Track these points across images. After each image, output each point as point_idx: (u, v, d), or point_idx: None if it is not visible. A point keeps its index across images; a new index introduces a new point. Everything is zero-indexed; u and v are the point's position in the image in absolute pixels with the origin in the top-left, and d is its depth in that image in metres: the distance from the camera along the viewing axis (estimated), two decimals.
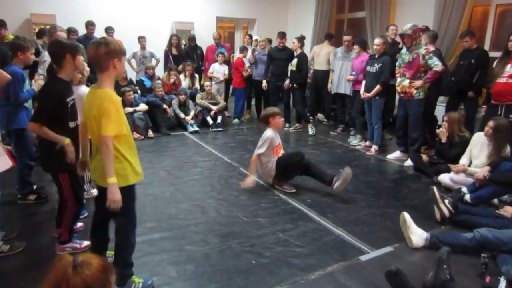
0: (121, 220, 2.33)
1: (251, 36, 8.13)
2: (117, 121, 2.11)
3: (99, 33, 7.27)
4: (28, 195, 3.65)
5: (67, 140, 2.58)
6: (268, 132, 4.13)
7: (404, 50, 4.95)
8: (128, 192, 2.26)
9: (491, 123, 3.84)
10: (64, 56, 2.56)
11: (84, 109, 2.29)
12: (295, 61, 6.53)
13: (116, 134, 2.12)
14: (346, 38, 6.32)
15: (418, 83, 4.78)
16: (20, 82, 3.34)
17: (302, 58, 6.54)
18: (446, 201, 3.30)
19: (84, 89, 3.55)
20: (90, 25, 7.15)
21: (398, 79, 5.03)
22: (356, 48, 5.95)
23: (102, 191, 2.27)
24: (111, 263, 1.40)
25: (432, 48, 5.07)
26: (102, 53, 2.11)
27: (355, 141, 6.03)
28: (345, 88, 6.38)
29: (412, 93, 4.86)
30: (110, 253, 2.53)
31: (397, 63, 5.11)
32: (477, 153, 4.03)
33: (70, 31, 6.48)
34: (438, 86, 5.26)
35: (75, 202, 2.76)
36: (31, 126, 2.57)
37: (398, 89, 5.02)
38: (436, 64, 4.63)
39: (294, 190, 4.09)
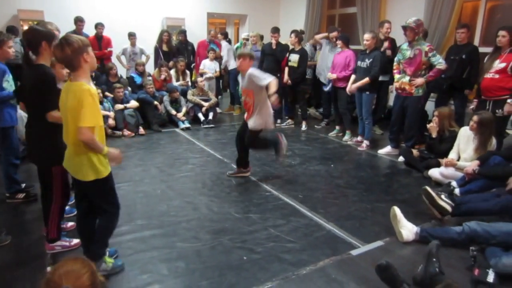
0: (103, 205, 2.42)
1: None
2: (94, 112, 2.15)
3: (89, 29, 7.21)
4: (17, 193, 3.61)
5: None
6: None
7: (405, 46, 4.90)
8: (104, 183, 2.33)
9: (475, 118, 3.88)
10: (40, 43, 2.54)
11: (60, 102, 2.29)
12: (296, 57, 6.41)
13: (93, 125, 2.15)
14: (332, 35, 6.33)
15: (419, 81, 4.74)
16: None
17: (303, 54, 6.48)
18: (443, 196, 3.30)
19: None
20: (79, 21, 7.05)
21: (397, 76, 4.99)
22: (339, 43, 5.93)
23: (81, 184, 2.33)
24: (93, 264, 1.40)
25: None
26: (69, 53, 2.13)
27: (346, 137, 6.04)
28: (325, 79, 6.43)
29: (411, 90, 4.84)
30: (110, 261, 2.52)
31: (395, 59, 5.09)
32: (464, 147, 4.07)
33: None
34: (429, 82, 5.27)
35: (62, 195, 2.74)
36: (52, 116, 2.55)
37: (397, 85, 4.99)
38: (440, 62, 4.61)
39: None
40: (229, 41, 8.54)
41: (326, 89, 6.36)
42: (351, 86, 5.39)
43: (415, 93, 4.84)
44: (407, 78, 4.84)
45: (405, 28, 4.72)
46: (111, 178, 2.41)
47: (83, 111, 2.10)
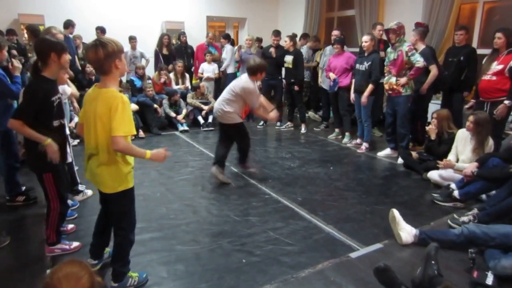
0: (123, 222, 2.35)
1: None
2: (128, 121, 2.09)
3: (89, 32, 7.22)
4: (17, 196, 3.62)
5: (47, 140, 2.53)
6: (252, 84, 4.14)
7: (389, 49, 5.01)
8: (129, 194, 2.30)
9: (471, 118, 3.91)
10: (49, 54, 2.53)
11: (84, 109, 2.25)
12: (290, 58, 6.47)
13: (127, 134, 2.09)
14: (334, 32, 6.32)
15: (403, 80, 4.82)
16: (3, 78, 3.25)
17: (298, 54, 6.52)
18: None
19: (66, 88, 3.52)
20: (70, 26, 7.05)
21: (386, 77, 5.07)
22: (337, 47, 5.93)
23: (104, 196, 2.29)
24: (89, 265, 1.40)
25: (422, 46, 5.11)
26: (102, 56, 2.06)
27: (345, 140, 6.05)
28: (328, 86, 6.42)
29: (399, 90, 4.89)
30: (135, 275, 2.50)
31: (385, 62, 5.14)
32: (462, 148, 4.09)
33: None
34: (434, 83, 5.26)
35: (59, 202, 2.73)
36: (11, 123, 2.52)
37: (386, 86, 5.05)
38: (418, 60, 4.67)
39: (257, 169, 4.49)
40: (232, 43, 8.54)
41: (334, 90, 6.28)
42: (363, 100, 5.36)
43: (404, 93, 4.89)
44: (393, 79, 4.92)
45: (387, 31, 4.88)
46: (133, 192, 2.35)
47: (117, 120, 2.03)
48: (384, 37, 6.00)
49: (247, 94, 4.12)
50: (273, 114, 4.34)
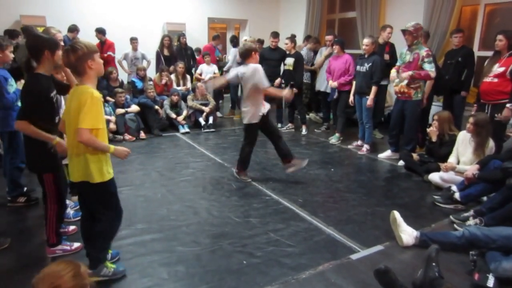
0: (105, 214, 2.41)
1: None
2: (94, 115, 2.16)
3: (90, 33, 7.23)
4: (18, 197, 3.63)
5: (56, 139, 2.56)
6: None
7: (404, 50, 4.91)
8: (106, 187, 2.34)
9: (471, 119, 3.91)
10: (42, 52, 2.53)
11: (65, 107, 2.35)
12: (291, 60, 6.48)
13: (92, 127, 2.16)
14: (328, 38, 6.47)
15: (405, 75, 4.72)
16: (3, 83, 3.26)
17: (299, 57, 6.53)
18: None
19: None
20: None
21: (397, 80, 5.00)
22: (336, 48, 5.96)
23: (84, 187, 2.33)
24: (82, 266, 1.40)
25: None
26: (73, 60, 2.18)
27: (333, 140, 6.08)
28: (326, 87, 6.51)
29: (410, 94, 4.82)
30: (111, 266, 2.52)
31: (397, 64, 5.09)
32: (463, 150, 4.08)
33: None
34: (433, 86, 5.27)
35: (57, 203, 2.73)
36: (18, 125, 2.56)
37: (396, 89, 4.99)
38: (432, 70, 4.60)
39: (249, 180, 4.38)
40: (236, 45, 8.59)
41: (333, 97, 6.30)
42: (368, 103, 5.34)
43: (414, 97, 4.83)
44: (405, 82, 4.84)
45: (404, 31, 4.74)
46: (112, 184, 2.40)
47: (83, 113, 2.13)
48: (391, 40, 6.03)
49: (256, 74, 4.08)
50: (287, 91, 4.33)
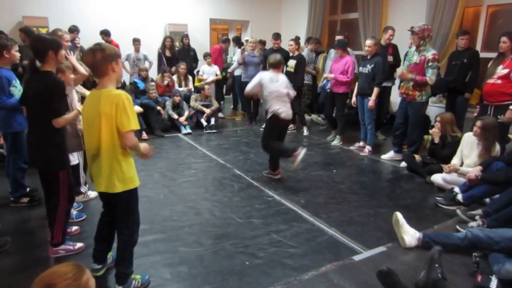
0: (129, 221, 2.37)
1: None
2: (134, 115, 2.14)
3: (92, 34, 7.25)
4: (21, 198, 3.64)
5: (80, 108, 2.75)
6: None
7: (412, 50, 4.89)
8: (135, 193, 2.33)
9: (478, 123, 3.89)
10: (46, 52, 2.57)
11: (83, 113, 2.27)
12: (293, 62, 6.47)
13: (136, 128, 2.15)
14: (338, 37, 6.39)
15: (408, 76, 4.73)
16: (4, 85, 3.25)
17: (301, 60, 6.52)
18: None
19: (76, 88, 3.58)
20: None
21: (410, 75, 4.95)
22: (338, 51, 5.92)
23: (109, 196, 2.28)
24: (80, 265, 1.38)
25: None
26: (99, 58, 2.12)
27: (335, 142, 6.07)
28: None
29: (415, 95, 4.81)
30: (138, 277, 2.49)
31: (404, 64, 5.07)
32: (468, 152, 4.07)
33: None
34: (432, 87, 5.25)
35: (68, 199, 2.76)
36: (57, 122, 2.60)
37: (401, 90, 5.00)
38: (431, 78, 4.60)
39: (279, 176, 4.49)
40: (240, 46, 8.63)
41: (324, 88, 6.36)
42: (370, 104, 5.33)
43: (419, 99, 4.82)
44: (410, 83, 4.83)
45: (412, 32, 4.73)
46: (137, 191, 2.36)
47: (125, 116, 2.08)
48: (394, 42, 6.02)
49: (288, 84, 4.48)
50: None
